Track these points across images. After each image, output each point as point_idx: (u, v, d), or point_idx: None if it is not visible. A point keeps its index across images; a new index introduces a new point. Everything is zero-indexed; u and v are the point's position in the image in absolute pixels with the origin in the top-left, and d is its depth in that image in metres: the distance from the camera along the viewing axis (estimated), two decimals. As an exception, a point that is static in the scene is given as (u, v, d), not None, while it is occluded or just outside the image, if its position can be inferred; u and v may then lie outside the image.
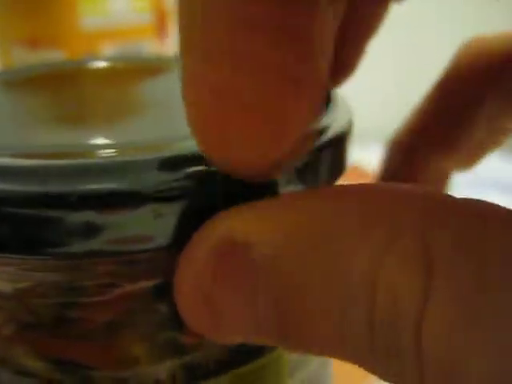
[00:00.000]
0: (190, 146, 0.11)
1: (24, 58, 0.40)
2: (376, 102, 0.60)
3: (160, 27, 0.40)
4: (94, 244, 0.10)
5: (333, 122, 0.13)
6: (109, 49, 0.40)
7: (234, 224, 0.10)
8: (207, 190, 0.11)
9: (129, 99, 0.16)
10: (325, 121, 0.13)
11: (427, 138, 0.17)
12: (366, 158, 0.47)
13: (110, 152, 0.11)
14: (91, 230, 0.10)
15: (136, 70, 0.18)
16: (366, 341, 0.09)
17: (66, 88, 0.17)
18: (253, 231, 0.10)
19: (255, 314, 0.10)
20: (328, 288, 0.09)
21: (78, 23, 0.39)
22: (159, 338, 0.12)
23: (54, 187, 0.10)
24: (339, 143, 0.13)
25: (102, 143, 0.12)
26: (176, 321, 0.12)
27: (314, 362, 0.14)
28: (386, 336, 0.09)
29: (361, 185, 0.10)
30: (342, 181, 0.12)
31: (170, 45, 0.40)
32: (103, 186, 0.10)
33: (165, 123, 0.14)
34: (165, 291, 0.11)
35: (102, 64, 0.18)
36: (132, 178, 0.10)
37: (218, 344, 0.12)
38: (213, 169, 0.11)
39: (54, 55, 0.40)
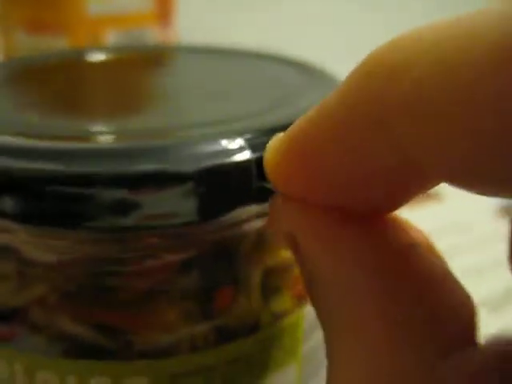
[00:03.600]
0: (209, 132, 0.12)
1: (27, 43, 0.41)
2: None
3: (163, 14, 0.41)
4: (132, 220, 0.12)
5: None
6: (112, 35, 0.40)
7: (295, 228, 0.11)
8: (237, 172, 0.12)
9: (140, 89, 0.17)
10: None
11: None
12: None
13: (145, 138, 0.13)
14: (129, 207, 0.12)
15: (145, 59, 0.19)
16: None
17: (86, 77, 0.18)
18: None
19: None
20: None
21: (82, 9, 0.39)
22: (192, 304, 0.13)
23: (98, 168, 0.11)
24: None
25: (134, 129, 0.13)
26: (207, 288, 0.13)
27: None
28: None
29: None
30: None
31: (172, 31, 0.41)
32: (140, 167, 0.12)
33: (179, 112, 0.15)
34: (197, 262, 0.13)
35: (114, 52, 0.19)
36: (164, 160, 0.12)
37: (242, 309, 0.13)
38: (242, 159, 0.12)
39: (57, 41, 0.40)
